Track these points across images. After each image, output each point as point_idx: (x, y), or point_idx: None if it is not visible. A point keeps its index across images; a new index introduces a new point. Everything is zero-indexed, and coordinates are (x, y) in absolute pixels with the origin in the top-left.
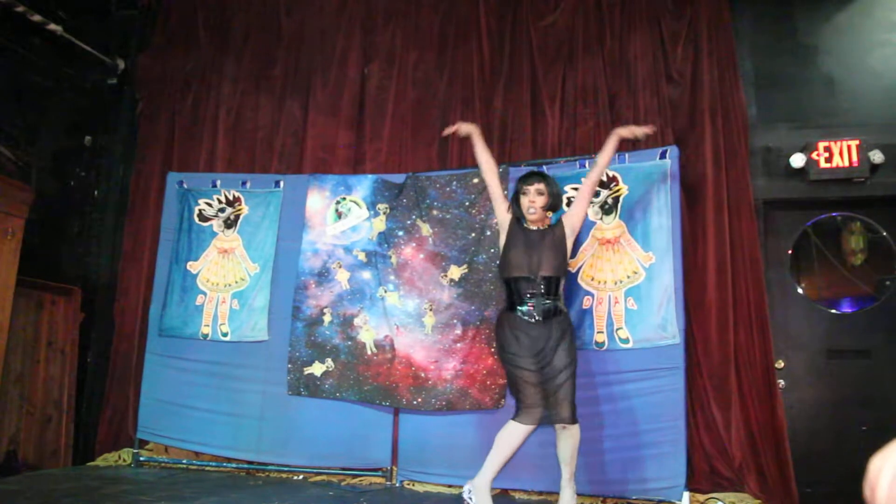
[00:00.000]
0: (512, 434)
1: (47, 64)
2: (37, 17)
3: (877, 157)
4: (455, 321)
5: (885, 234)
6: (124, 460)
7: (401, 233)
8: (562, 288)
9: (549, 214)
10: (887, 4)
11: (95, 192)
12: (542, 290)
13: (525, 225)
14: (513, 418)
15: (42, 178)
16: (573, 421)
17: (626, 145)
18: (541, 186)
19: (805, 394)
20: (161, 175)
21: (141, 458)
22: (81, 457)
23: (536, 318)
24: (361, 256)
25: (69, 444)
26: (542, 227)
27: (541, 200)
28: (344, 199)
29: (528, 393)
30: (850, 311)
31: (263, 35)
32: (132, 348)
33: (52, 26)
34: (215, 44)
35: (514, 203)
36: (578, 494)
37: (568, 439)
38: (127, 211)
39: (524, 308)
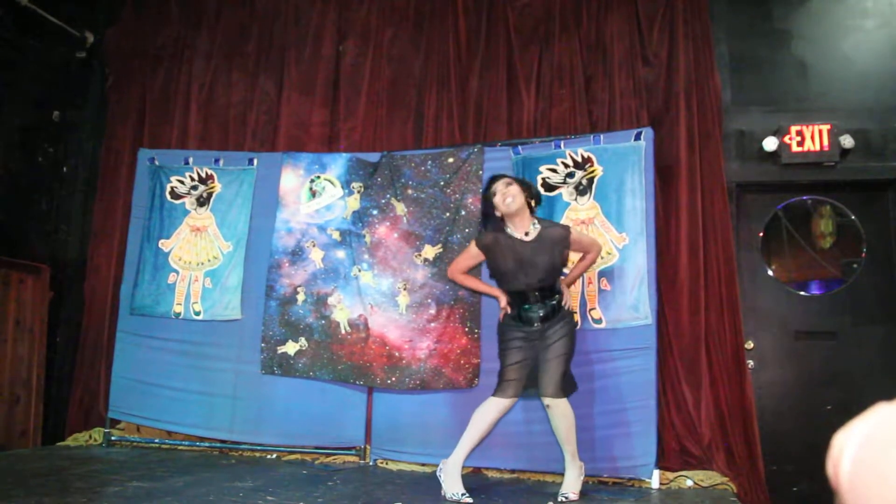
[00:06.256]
0: (489, 409)
1: (12, 36)
2: None
3: (847, 141)
4: (429, 301)
5: (853, 217)
6: (95, 440)
7: (375, 212)
8: (558, 283)
9: (534, 206)
10: None
11: (64, 168)
12: (539, 298)
13: (509, 232)
14: (493, 394)
15: (8, 153)
16: (555, 395)
17: (601, 125)
18: (507, 180)
19: (773, 374)
20: (132, 151)
21: (112, 438)
22: (51, 437)
23: (536, 323)
24: (335, 235)
25: (38, 424)
26: (528, 236)
27: (514, 189)
28: (318, 177)
29: (511, 368)
30: (817, 293)
31: (237, 10)
32: (103, 327)
33: None
34: (187, 18)
35: (489, 207)
36: (548, 472)
37: (554, 417)
38: (97, 187)
39: (523, 314)
